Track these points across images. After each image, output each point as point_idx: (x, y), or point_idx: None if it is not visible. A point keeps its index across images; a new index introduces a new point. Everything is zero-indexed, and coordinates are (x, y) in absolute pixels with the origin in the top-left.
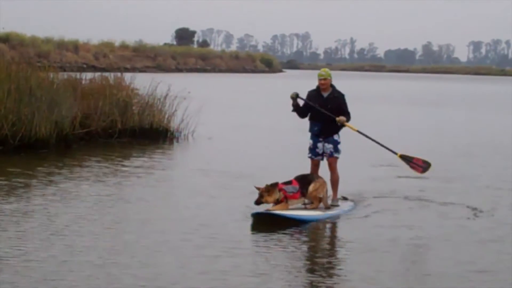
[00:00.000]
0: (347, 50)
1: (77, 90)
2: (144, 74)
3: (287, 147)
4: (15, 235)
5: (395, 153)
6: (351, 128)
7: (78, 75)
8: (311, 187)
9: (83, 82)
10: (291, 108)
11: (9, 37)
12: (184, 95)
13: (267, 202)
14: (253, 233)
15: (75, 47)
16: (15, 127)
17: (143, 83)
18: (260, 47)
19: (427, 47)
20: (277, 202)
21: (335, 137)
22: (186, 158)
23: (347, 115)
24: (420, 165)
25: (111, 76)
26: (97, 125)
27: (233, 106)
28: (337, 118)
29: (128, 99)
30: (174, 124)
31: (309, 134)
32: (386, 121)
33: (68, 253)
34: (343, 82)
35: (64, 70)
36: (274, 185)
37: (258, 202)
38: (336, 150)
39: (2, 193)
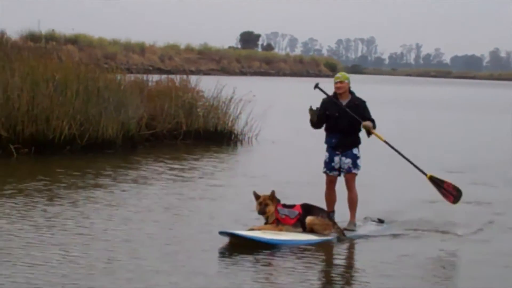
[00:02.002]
0: (413, 55)
1: (143, 92)
2: (208, 76)
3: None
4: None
5: (425, 174)
6: (378, 137)
7: (144, 77)
8: (309, 219)
9: (149, 84)
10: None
11: (77, 39)
12: (249, 98)
13: (268, 212)
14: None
15: (142, 49)
16: (83, 127)
17: (208, 85)
18: (324, 51)
19: (494, 54)
20: (266, 220)
21: (355, 151)
22: (249, 161)
23: (373, 123)
24: (451, 193)
25: (176, 78)
26: (163, 126)
27: (297, 110)
28: (363, 123)
29: (193, 101)
30: (238, 127)
31: (325, 146)
32: (448, 129)
33: (129, 253)
34: (408, 88)
35: (131, 72)
36: (275, 200)
37: (263, 212)
38: (355, 165)
39: (69, 192)
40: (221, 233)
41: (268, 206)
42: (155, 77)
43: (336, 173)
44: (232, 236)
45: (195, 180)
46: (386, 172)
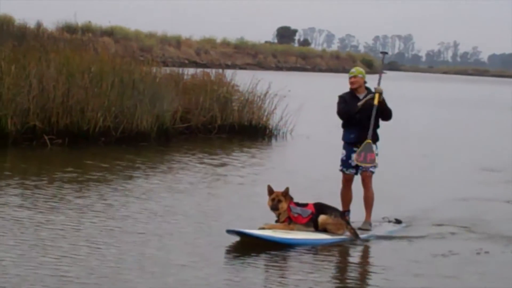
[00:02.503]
0: (450, 53)
1: (178, 85)
2: (244, 71)
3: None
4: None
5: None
6: (376, 100)
7: (179, 70)
8: (322, 218)
9: (185, 77)
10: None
11: (113, 31)
12: (284, 93)
13: (282, 209)
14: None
15: (178, 42)
16: (117, 119)
17: (243, 80)
18: (361, 48)
19: None
20: (278, 217)
21: (373, 147)
22: (282, 157)
23: (391, 112)
24: (365, 158)
25: (212, 72)
26: (197, 120)
27: (332, 105)
28: (376, 87)
29: (228, 96)
30: (273, 122)
31: (341, 144)
32: (484, 127)
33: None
34: (444, 85)
35: (166, 65)
36: (289, 197)
37: (276, 208)
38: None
39: (100, 184)
40: (229, 231)
41: (281, 203)
42: (190, 71)
43: (353, 171)
44: (241, 234)
45: (227, 174)
46: (414, 168)
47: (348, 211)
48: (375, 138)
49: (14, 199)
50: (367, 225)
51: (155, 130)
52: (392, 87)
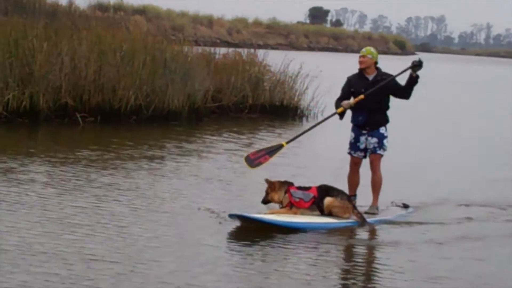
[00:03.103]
0: (483, 35)
1: (210, 65)
2: (276, 51)
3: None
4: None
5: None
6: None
7: (211, 49)
8: (328, 200)
9: (216, 56)
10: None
11: (145, 10)
12: (316, 74)
13: (272, 200)
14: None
15: (209, 22)
16: (149, 98)
17: (275, 60)
18: (393, 29)
19: None
20: (281, 204)
21: (382, 130)
22: (312, 138)
23: (405, 90)
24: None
25: (244, 52)
26: (229, 99)
27: None
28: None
29: (260, 75)
30: (304, 102)
31: (350, 126)
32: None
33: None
34: (476, 68)
35: (198, 44)
36: (283, 183)
37: (265, 201)
38: (381, 145)
39: (130, 162)
40: (231, 216)
41: (269, 194)
42: (222, 50)
43: (361, 154)
44: (243, 219)
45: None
46: (444, 149)
47: (355, 195)
48: (385, 121)
49: (41, 176)
50: (374, 209)
51: (186, 109)
52: (424, 69)
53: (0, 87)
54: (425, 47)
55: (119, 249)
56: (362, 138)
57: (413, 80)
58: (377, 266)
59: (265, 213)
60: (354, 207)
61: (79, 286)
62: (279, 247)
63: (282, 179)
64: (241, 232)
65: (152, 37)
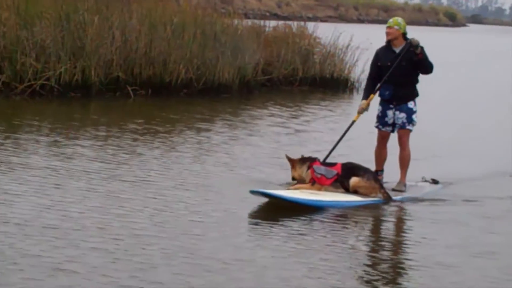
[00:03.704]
0: None
1: (260, 37)
2: (325, 23)
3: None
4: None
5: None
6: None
7: (261, 22)
8: (354, 181)
9: (266, 29)
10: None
11: None
12: (366, 46)
13: (294, 177)
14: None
15: None
16: (199, 71)
17: (325, 32)
18: (444, 0)
19: None
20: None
21: (410, 104)
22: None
23: (431, 65)
24: None
25: (294, 24)
26: (279, 72)
27: None
28: (411, 39)
29: (310, 48)
30: (354, 75)
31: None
32: None
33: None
34: None
35: (248, 17)
36: (304, 160)
37: (293, 178)
38: (410, 121)
39: (181, 136)
40: (253, 192)
41: (292, 171)
42: (272, 23)
43: (389, 128)
44: (265, 195)
45: (305, 129)
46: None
47: (382, 170)
48: (414, 95)
49: (89, 150)
50: (401, 186)
51: (236, 82)
52: (475, 40)
53: (52, 61)
54: (476, 19)
55: (166, 224)
56: (390, 113)
57: (421, 58)
58: (426, 241)
59: (287, 189)
60: (381, 186)
61: (128, 261)
62: (331, 222)
63: (307, 155)
64: (285, 207)
65: (202, 10)
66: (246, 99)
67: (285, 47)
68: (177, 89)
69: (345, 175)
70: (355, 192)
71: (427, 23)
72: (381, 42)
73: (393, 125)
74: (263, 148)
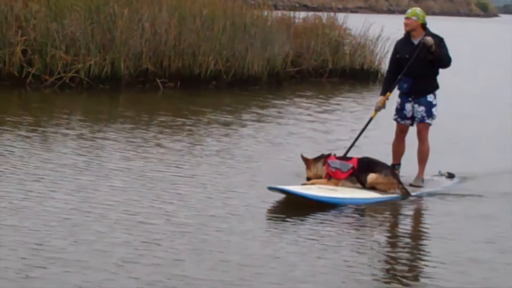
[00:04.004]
0: None
1: (289, 29)
2: (355, 14)
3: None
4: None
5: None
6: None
7: (291, 13)
8: (371, 177)
9: (296, 20)
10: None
11: None
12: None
13: (309, 177)
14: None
15: None
16: (229, 63)
17: (354, 23)
18: None
19: None
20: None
21: (429, 97)
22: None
23: (448, 60)
24: None
25: (323, 15)
26: (308, 64)
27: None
28: (425, 38)
29: (340, 39)
30: (385, 66)
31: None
32: None
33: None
34: None
35: (277, 9)
36: (318, 159)
37: (308, 179)
38: (429, 114)
39: (211, 127)
40: (271, 188)
41: (307, 172)
42: (301, 14)
43: (408, 122)
44: (283, 192)
45: (338, 119)
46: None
47: (399, 164)
48: (433, 88)
49: (119, 143)
50: (419, 181)
51: (266, 74)
52: (508, 31)
53: (82, 54)
54: (508, 9)
55: (191, 218)
56: (408, 106)
57: (436, 54)
58: (453, 237)
59: (303, 184)
60: (399, 182)
61: (152, 257)
62: (352, 218)
63: (319, 154)
64: (304, 203)
65: (232, 1)
66: (276, 91)
67: (314, 38)
68: (206, 81)
69: (361, 170)
70: (372, 188)
71: (458, 14)
72: None
73: (412, 118)
74: (291, 140)
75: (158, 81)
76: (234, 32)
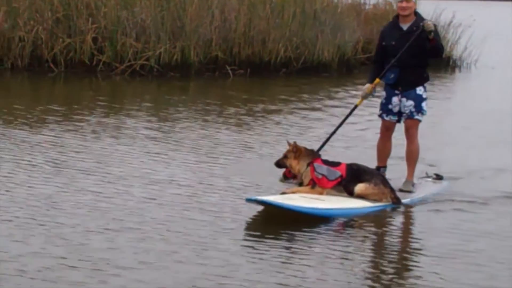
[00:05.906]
0: None
1: (360, 15)
2: (426, 1)
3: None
4: None
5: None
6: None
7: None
8: (360, 188)
9: (366, 7)
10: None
11: None
12: (469, 23)
13: (291, 168)
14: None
15: None
16: (299, 50)
17: (426, 10)
18: None
19: None
20: (300, 181)
21: (419, 90)
22: (466, 89)
23: (442, 49)
24: None
25: (394, 1)
26: None
27: None
28: (425, 22)
29: None
30: (457, 52)
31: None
32: None
33: None
34: None
35: None
36: (309, 153)
37: (278, 164)
38: (419, 109)
39: (283, 113)
40: (248, 200)
41: (289, 160)
42: (372, 0)
43: (394, 118)
44: (262, 203)
45: None
46: None
47: (385, 167)
48: (423, 79)
49: (188, 131)
50: (409, 185)
51: (336, 61)
52: None
53: (152, 41)
54: None
55: (234, 202)
56: (395, 99)
57: (434, 45)
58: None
59: (283, 193)
60: (391, 190)
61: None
62: (344, 230)
63: (310, 148)
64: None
65: None
66: (346, 78)
67: (385, 24)
68: (276, 69)
69: (350, 179)
70: (361, 198)
71: None
72: (485, 19)
73: (399, 114)
74: (356, 127)
75: (228, 68)
76: (304, 18)
